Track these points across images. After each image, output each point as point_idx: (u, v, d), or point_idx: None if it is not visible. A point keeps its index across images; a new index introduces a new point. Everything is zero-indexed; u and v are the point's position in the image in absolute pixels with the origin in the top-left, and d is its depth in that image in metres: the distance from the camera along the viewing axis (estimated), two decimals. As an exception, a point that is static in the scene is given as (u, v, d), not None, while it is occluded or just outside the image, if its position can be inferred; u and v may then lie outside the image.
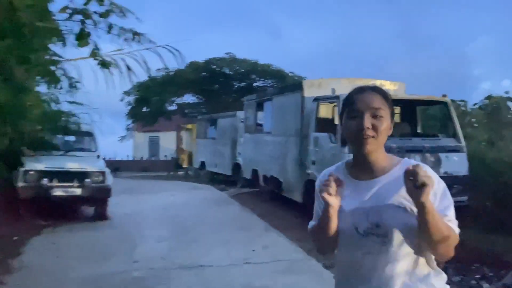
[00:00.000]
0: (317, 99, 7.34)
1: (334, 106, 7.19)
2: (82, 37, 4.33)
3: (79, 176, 7.40)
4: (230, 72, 20.33)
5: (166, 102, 20.70)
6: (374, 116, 1.31)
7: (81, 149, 8.59)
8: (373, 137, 1.31)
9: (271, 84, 19.67)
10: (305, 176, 7.41)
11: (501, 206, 6.32)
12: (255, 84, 20.88)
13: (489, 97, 9.27)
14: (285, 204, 8.67)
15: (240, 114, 13.95)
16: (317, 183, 1.46)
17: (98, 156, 8.73)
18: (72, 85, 6.69)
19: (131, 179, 17.36)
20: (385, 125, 1.33)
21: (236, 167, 13.55)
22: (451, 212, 1.30)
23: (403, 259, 1.31)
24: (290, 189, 8.17)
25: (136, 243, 6.15)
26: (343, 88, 7.03)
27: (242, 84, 20.95)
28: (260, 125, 10.31)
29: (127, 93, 20.48)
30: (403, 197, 1.28)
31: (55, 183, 7.25)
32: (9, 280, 4.52)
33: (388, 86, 7.71)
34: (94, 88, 5.28)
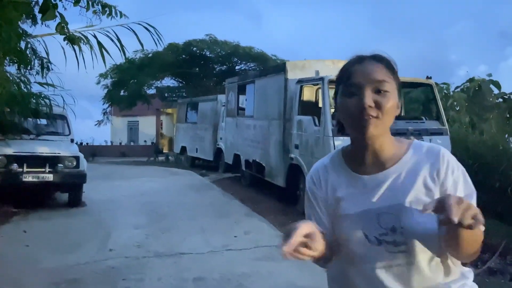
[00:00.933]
0: (300, 81, 7.13)
1: (318, 88, 6.98)
2: (47, 9, 3.97)
3: (51, 161, 7.04)
4: (211, 55, 19.86)
5: (145, 85, 20.09)
6: (377, 92, 1.04)
7: (54, 133, 8.18)
8: (376, 117, 1.03)
9: (253, 67, 19.32)
10: (288, 160, 7.25)
11: (482, 189, 6.31)
12: (237, 67, 20.48)
13: (471, 80, 9.23)
14: (267, 189, 8.51)
15: (222, 97, 13.71)
16: (307, 180, 1.22)
17: (72, 141, 8.36)
18: (44, 66, 6.30)
19: (108, 165, 16.92)
20: (392, 102, 1.04)
21: (218, 152, 13.31)
22: (473, 203, 1.03)
23: (432, 270, 1.06)
24: (272, 174, 8.00)
25: (111, 230, 5.89)
26: (328, 70, 6.86)
27: (224, 67, 20.53)
28: (243, 108, 10.05)
29: (103, 75, 19.79)
30: (421, 192, 1.05)
31: (25, 168, 6.89)
32: (-27, 271, 4.23)
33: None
34: (68, 70, 4.91)
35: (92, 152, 23.36)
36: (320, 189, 1.18)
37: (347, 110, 1.06)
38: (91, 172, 7.77)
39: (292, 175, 7.20)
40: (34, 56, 6.09)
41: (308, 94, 7.45)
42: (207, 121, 14.21)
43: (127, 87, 20.02)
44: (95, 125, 21.03)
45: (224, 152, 12.31)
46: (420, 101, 8.75)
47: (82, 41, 4.44)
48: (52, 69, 6.26)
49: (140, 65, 19.39)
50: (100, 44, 4.15)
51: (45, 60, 6.16)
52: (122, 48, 4.47)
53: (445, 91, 9.55)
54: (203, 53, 19.24)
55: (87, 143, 25.24)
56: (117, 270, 4.32)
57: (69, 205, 7.49)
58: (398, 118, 1.14)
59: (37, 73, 6.26)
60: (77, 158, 7.32)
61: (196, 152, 15.19)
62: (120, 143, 27.17)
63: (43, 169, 6.97)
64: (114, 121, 28.72)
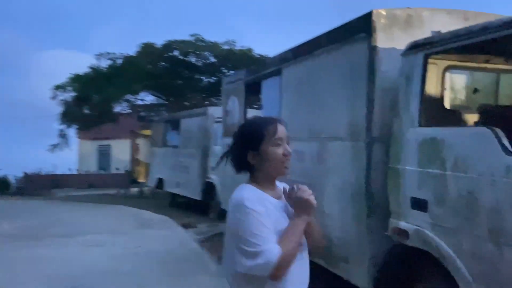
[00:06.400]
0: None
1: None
2: None
3: None
4: (198, 62, 15.79)
5: (114, 100, 15.82)
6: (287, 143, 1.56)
7: None
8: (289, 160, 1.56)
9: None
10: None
11: None
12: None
13: None
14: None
15: (214, 111, 9.64)
16: (250, 207, 1.43)
17: None
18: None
19: (59, 203, 12.48)
20: None
21: (209, 188, 9.11)
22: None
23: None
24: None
25: None
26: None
27: (214, 78, 16.43)
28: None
29: (60, 87, 15.47)
30: None
31: None
32: None
33: None
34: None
35: (52, 182, 19.01)
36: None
37: (277, 155, 1.53)
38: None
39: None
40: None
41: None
42: (193, 144, 10.06)
43: (92, 102, 15.75)
44: (48, 150, 16.54)
45: (219, 190, 8.15)
46: None
47: None
48: None
49: (108, 74, 15.21)
50: None
51: None
52: None
53: None
54: (188, 59, 15.14)
55: (46, 172, 20.65)
56: None
57: None
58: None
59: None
60: None
61: (177, 187, 10.92)
62: (88, 171, 22.63)
63: None
64: (82, 145, 24.28)
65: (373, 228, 3.27)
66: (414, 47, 2.98)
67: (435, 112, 3.05)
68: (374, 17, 3.32)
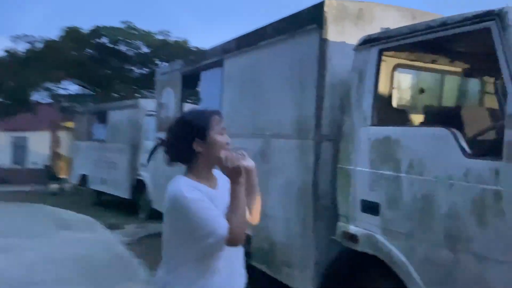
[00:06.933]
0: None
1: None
2: None
3: None
4: (129, 53, 14.86)
5: (33, 88, 14.32)
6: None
7: None
8: None
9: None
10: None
11: None
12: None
13: None
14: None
15: (146, 103, 9.07)
16: (188, 196, 1.49)
17: None
18: None
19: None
20: None
21: (139, 187, 8.53)
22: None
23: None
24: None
25: None
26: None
27: (146, 70, 15.58)
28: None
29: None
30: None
31: None
32: None
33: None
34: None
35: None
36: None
37: (222, 143, 1.57)
38: None
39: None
40: None
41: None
42: (122, 138, 9.37)
43: (5, 89, 14.13)
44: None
45: (150, 188, 7.63)
46: None
47: None
48: None
49: (25, 59, 13.75)
50: None
51: None
52: None
53: None
54: (117, 47, 14.15)
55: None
56: None
57: None
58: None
59: None
60: None
61: (103, 184, 10.12)
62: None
63: None
64: (-7, 137, 21.87)
65: (320, 231, 3.08)
66: (369, 41, 2.83)
67: (385, 111, 2.93)
68: (326, 8, 3.12)
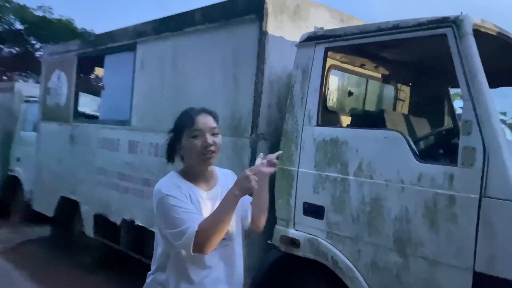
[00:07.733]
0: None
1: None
2: None
3: None
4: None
5: None
6: (212, 134, 1.55)
7: None
8: (214, 151, 1.54)
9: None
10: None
11: None
12: (40, 52, 13.73)
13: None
14: None
15: (23, 87, 7.86)
16: (165, 192, 1.48)
17: None
18: None
19: None
20: (221, 141, 1.57)
21: (11, 183, 7.30)
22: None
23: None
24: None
25: None
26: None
27: (18, 49, 13.52)
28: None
29: None
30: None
31: None
32: None
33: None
34: None
35: None
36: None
37: (194, 147, 1.52)
38: None
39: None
40: None
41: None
42: (-9, 127, 7.90)
43: None
44: None
45: (25, 185, 6.66)
46: None
47: None
48: None
49: None
50: None
51: None
52: None
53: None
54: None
55: None
56: None
57: None
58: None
59: None
60: None
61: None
62: None
63: None
64: None
65: (253, 235, 2.89)
66: (314, 38, 2.72)
67: (329, 112, 2.87)
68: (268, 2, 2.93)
